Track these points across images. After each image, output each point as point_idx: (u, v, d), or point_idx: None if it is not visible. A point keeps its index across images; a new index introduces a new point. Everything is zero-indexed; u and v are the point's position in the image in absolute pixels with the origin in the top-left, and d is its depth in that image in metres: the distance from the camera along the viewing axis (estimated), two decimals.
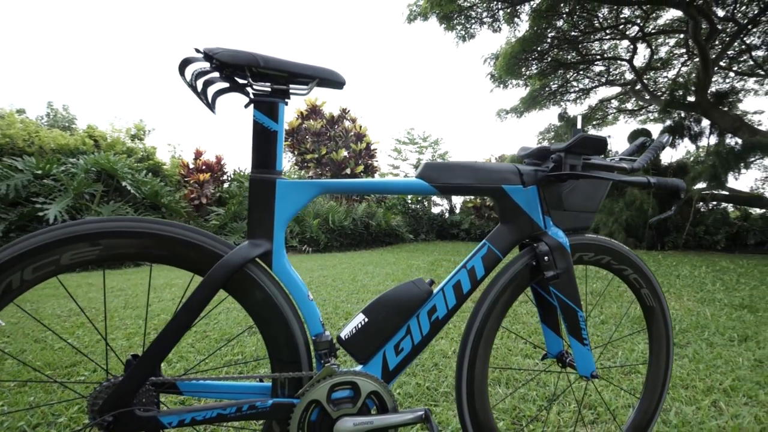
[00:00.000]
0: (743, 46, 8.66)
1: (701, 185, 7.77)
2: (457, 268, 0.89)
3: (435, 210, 12.09)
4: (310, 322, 0.80)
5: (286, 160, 11.06)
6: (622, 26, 8.98)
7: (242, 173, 10.76)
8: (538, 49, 9.30)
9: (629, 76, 10.71)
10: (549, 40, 9.27)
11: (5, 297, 0.65)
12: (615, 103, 12.47)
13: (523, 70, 9.86)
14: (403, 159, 18.13)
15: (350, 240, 9.08)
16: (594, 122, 12.73)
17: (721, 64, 8.95)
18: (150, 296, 3.21)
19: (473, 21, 8.45)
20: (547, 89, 11.39)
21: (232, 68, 0.73)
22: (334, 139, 10.16)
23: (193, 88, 0.77)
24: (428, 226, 11.34)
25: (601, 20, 8.93)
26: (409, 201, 11.48)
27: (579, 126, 1.07)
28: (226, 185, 10.16)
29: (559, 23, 8.99)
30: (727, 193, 7.92)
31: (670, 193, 0.87)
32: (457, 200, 12.13)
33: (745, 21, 7.57)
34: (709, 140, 8.22)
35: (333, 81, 0.79)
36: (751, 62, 9.14)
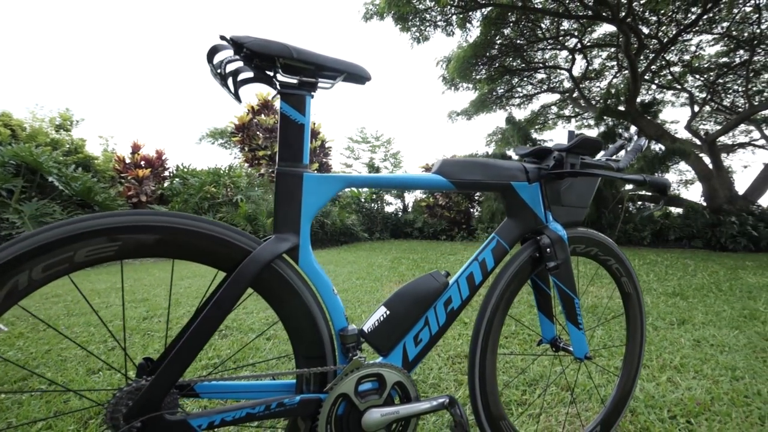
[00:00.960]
0: (663, 62, 9.65)
1: (630, 186, 8.56)
2: (469, 261, 0.93)
3: (389, 209, 12.23)
4: (336, 317, 0.79)
5: (233, 157, 10.63)
6: (562, 38, 9.62)
7: (186, 169, 10.18)
8: (488, 54, 9.72)
9: (568, 84, 11.51)
10: (497, 47, 9.71)
11: (9, 299, 0.58)
12: (555, 109, 13.32)
13: (473, 74, 10.24)
14: (355, 157, 18.14)
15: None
16: (536, 126, 13.53)
17: (645, 77, 9.89)
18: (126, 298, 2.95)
19: (428, 24, 8.64)
20: (494, 93, 11.92)
21: (262, 58, 0.70)
22: None
23: (221, 77, 0.73)
24: (382, 225, 11.43)
25: (543, 31, 9.50)
26: (363, 200, 11.51)
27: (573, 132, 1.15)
28: (167, 182, 9.58)
29: (507, 31, 9.46)
30: (651, 194, 8.80)
31: (658, 190, 0.96)
32: (410, 199, 12.34)
33: (666, 40, 8.43)
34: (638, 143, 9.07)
35: (359, 76, 0.78)
36: (670, 77, 10.21)
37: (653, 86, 10.89)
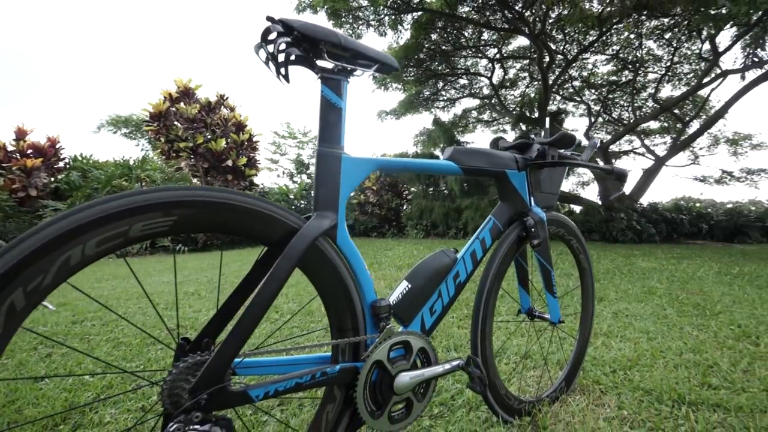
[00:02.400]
0: (567, 76, 10.88)
1: None
2: (471, 240, 1.04)
3: None
4: (367, 291, 0.84)
5: (140, 148, 9.67)
6: (482, 47, 10.36)
7: (86, 160, 9.07)
8: (417, 57, 10.10)
9: (487, 91, 12.40)
10: (425, 51, 10.14)
11: (61, 275, 0.54)
12: (475, 113, 14.25)
13: (403, 75, 10.56)
14: (282, 153, 17.59)
15: (232, 237, 8.51)
16: (459, 129, 14.36)
17: (553, 89, 11.08)
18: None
19: (361, 22, 8.73)
20: (421, 95, 12.40)
21: (310, 42, 0.73)
22: (211, 127, 9.31)
23: (274, 58, 0.74)
24: None
25: (466, 39, 10.14)
26: (293, 197, 11.26)
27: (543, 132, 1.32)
28: (63, 175, 8.45)
29: (434, 36, 9.92)
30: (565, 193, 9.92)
31: (619, 178, 1.16)
32: None
33: (570, 57, 9.53)
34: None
35: (390, 66, 0.84)
36: (572, 90, 11.55)
37: (558, 97, 12.22)
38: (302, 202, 11.29)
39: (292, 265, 0.69)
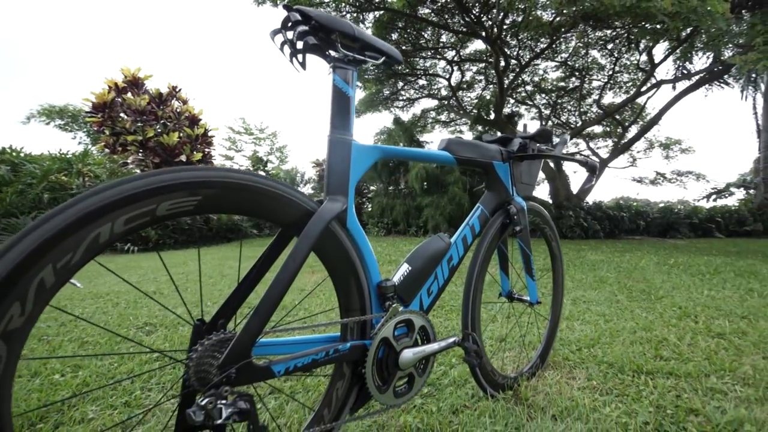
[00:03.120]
0: (520, 81, 11.41)
1: None
2: (462, 226, 1.10)
3: None
4: (373, 272, 0.87)
5: (76, 141, 9.01)
6: (441, 49, 10.61)
7: (17, 152, 8.32)
8: None
9: (445, 92, 12.72)
10: None
11: (90, 252, 0.54)
12: (433, 114, 14.56)
13: (364, 74, 10.59)
14: (237, 150, 17.02)
15: (187, 236, 8.15)
16: (418, 129, 14.62)
17: (508, 92, 11.58)
18: None
19: None
20: (381, 94, 12.49)
21: (326, 31, 0.75)
22: (162, 120, 8.83)
23: (292, 45, 0.75)
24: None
25: (426, 40, 10.35)
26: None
27: (521, 129, 1.41)
28: None
29: (395, 36, 10.03)
30: None
31: (592, 170, 1.28)
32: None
33: (523, 63, 10.02)
34: None
35: (395, 59, 0.88)
36: (524, 94, 12.13)
37: (512, 100, 12.80)
38: None
39: (310, 245, 0.71)
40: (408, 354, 0.88)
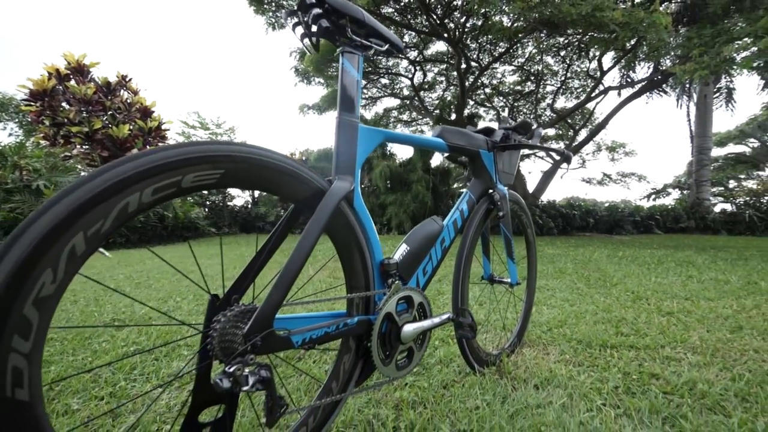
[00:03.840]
0: (480, 83, 11.80)
1: (458, 184, 10.28)
2: (453, 210, 1.16)
3: (237, 202, 11.52)
4: (377, 250, 0.90)
5: (6, 132, 8.29)
6: (403, 48, 10.74)
7: None
8: None
9: (407, 92, 12.89)
10: None
11: (119, 221, 0.53)
12: (395, 113, 14.70)
13: (328, 70, 10.51)
14: None
15: (140, 235, 7.71)
16: (380, 127, 14.71)
17: (468, 93, 11.93)
18: None
19: (284, 10, 8.49)
20: None
21: (339, 15, 0.78)
22: (110, 111, 8.31)
23: (307, 27, 0.77)
24: (230, 219, 10.71)
25: None
26: (207, 191, 10.55)
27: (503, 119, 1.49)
28: None
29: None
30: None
31: (566, 159, 1.37)
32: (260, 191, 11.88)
33: (483, 65, 10.37)
34: None
35: (399, 48, 0.92)
36: (483, 96, 12.56)
37: (471, 102, 13.19)
38: (218, 196, 10.65)
39: (324, 222, 0.73)
40: (409, 329, 0.91)
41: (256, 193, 12.40)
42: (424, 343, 0.98)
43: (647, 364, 1.31)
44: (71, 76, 8.26)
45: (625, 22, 4.26)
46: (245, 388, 0.61)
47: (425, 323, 0.96)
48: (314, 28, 0.78)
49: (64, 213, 0.48)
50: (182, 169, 0.58)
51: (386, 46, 0.89)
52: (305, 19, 0.78)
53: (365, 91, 12.92)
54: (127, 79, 9.07)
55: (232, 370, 0.60)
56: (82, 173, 8.21)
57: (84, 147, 8.16)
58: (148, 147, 8.38)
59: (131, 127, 8.40)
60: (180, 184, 0.58)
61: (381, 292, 0.90)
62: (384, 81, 12.77)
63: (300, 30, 0.81)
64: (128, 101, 8.74)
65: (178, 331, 1.72)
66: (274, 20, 8.72)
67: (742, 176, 16.20)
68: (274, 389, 0.66)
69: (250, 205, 11.59)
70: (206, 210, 10.26)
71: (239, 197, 11.83)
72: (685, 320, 1.82)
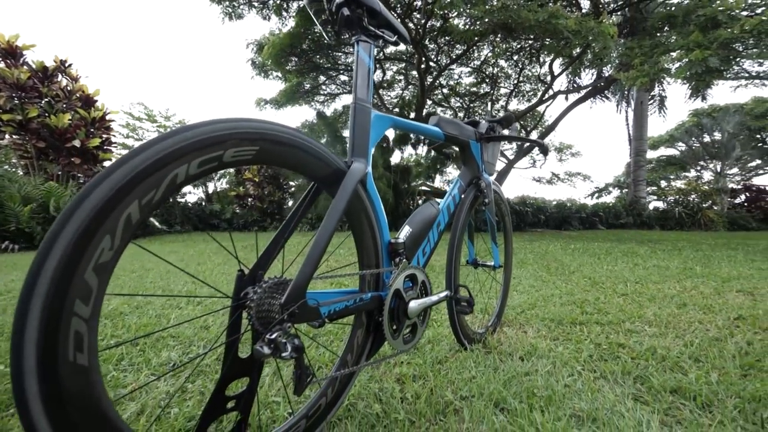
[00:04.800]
0: (437, 83, 12.08)
1: (419, 181, 10.49)
2: (446, 197, 1.23)
3: (190, 198, 11.01)
4: (385, 230, 0.95)
5: None
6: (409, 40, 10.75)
7: None
8: (300, 47, 9.96)
9: None
10: (308, 42, 10.07)
11: (168, 191, 0.54)
12: None
13: (287, 64, 10.30)
14: (137, 138, 15.32)
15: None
16: (340, 124, 14.63)
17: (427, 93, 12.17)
18: None
19: (243, 1, 8.25)
20: (302, 87, 12.23)
21: (357, 5, 0.81)
22: (47, 98, 7.65)
23: (331, 14, 0.79)
24: (182, 217, 10.22)
25: (348, 36, 10.41)
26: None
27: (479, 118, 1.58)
28: None
29: (317, 29, 9.92)
30: (427, 188, 10.98)
31: (543, 151, 1.48)
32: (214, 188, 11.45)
33: (442, 66, 10.63)
34: (424, 149, 11.14)
35: (406, 39, 0.96)
36: (441, 96, 12.87)
37: (429, 101, 13.47)
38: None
39: (346, 201, 0.76)
40: (414, 304, 0.97)
41: (210, 188, 11.93)
42: (425, 319, 1.04)
43: (613, 336, 1.46)
44: (1, 59, 7.52)
45: (578, 30, 4.60)
46: (284, 354, 0.63)
47: (428, 300, 1.01)
48: (337, 16, 0.82)
49: (123, 181, 0.49)
50: (225, 144, 0.59)
51: (395, 37, 0.94)
52: (329, 6, 0.81)
53: (323, 87, 12.80)
54: (67, 65, 8.39)
55: (273, 336, 0.62)
56: (17, 168, 7.51)
57: (15, 136, 7.45)
58: (91, 138, 7.81)
59: (72, 116, 7.79)
60: (222, 159, 0.60)
61: (388, 270, 0.95)
62: (343, 78, 12.70)
63: (321, 17, 0.84)
64: (68, 88, 8.09)
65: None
66: (231, 10, 8.43)
67: (672, 177, 17.84)
68: (303, 359, 0.69)
69: (204, 202, 11.11)
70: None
71: (191, 194, 11.32)
72: (639, 300, 2.03)
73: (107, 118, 8.70)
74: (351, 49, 11.13)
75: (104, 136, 8.50)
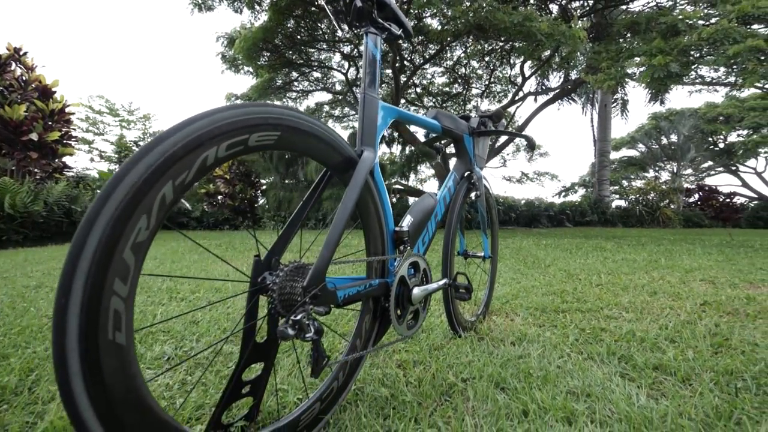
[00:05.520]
0: (411, 82, 12.17)
1: (394, 180, 10.54)
2: (442, 188, 1.26)
3: None
4: (390, 219, 0.97)
5: None
6: (337, 42, 10.71)
7: None
8: (273, 42, 9.78)
9: (339, 87, 12.85)
10: (281, 37, 9.90)
11: (199, 173, 0.54)
12: (327, 108, 14.55)
13: (259, 59, 10.09)
14: (98, 132, 14.62)
15: (42, 232, 6.79)
16: None
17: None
18: None
19: None
20: (274, 83, 12.00)
21: None
22: (1, 88, 7.18)
23: (346, 5, 0.80)
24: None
25: (322, 32, 10.33)
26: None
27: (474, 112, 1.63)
28: None
29: (290, 24, 9.78)
30: (401, 187, 11.06)
31: (531, 145, 1.54)
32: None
33: (415, 65, 10.73)
34: (399, 147, 11.21)
35: (409, 33, 0.99)
36: (414, 95, 12.98)
37: (403, 100, 13.55)
38: None
39: (359, 188, 0.78)
40: (417, 291, 1.00)
41: None
42: (426, 306, 1.07)
43: (594, 321, 1.54)
44: None
45: (550, 33, 4.78)
46: (308, 335, 0.64)
47: (429, 287, 1.04)
48: (351, 7, 0.83)
49: (158, 162, 0.49)
50: (251, 128, 0.60)
51: (400, 31, 0.96)
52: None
53: (296, 84, 12.61)
54: (21, 53, 7.89)
55: (298, 318, 0.63)
56: None
57: None
58: (50, 131, 7.39)
59: (27, 108, 7.33)
60: (247, 143, 0.60)
61: (393, 257, 0.97)
62: (316, 75, 12.58)
63: (333, 7, 0.85)
64: (23, 78, 7.62)
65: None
66: (200, 1, 8.18)
67: (633, 177, 18.79)
68: (320, 342, 0.70)
69: None
70: None
71: None
72: (613, 289, 2.14)
73: (67, 110, 8.25)
74: (324, 46, 11.04)
75: (63, 129, 8.05)
